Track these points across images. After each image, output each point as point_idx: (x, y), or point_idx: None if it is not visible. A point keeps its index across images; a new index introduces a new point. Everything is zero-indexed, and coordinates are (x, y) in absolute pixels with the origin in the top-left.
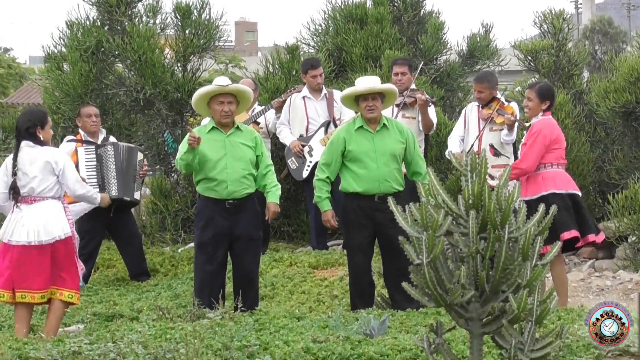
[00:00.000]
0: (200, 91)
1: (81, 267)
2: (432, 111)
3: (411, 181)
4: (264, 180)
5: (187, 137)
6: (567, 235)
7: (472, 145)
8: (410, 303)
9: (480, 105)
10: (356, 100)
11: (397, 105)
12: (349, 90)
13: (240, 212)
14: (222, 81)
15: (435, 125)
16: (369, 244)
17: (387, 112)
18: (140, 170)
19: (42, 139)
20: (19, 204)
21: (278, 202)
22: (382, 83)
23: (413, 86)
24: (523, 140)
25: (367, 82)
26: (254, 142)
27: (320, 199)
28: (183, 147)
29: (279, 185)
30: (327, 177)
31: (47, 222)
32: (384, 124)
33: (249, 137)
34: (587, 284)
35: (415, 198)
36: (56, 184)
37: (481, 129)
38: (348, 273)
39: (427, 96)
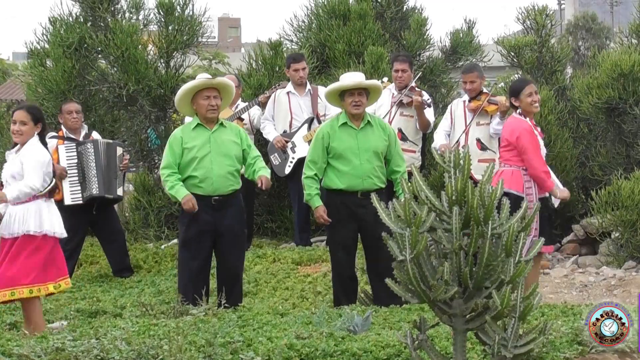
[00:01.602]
0: (186, 86)
1: None
2: (429, 111)
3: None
4: (253, 166)
5: (185, 198)
6: None
7: (459, 140)
8: (392, 299)
9: (468, 100)
10: (340, 96)
11: (396, 103)
12: (334, 86)
13: (225, 208)
14: (205, 76)
15: (432, 125)
16: (352, 240)
17: (385, 110)
18: (120, 165)
19: None
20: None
21: (269, 176)
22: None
23: (413, 83)
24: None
25: (352, 78)
26: (239, 137)
27: (311, 196)
28: (175, 193)
29: (267, 168)
30: (315, 174)
31: None
32: (368, 121)
33: (234, 133)
34: (570, 280)
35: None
36: None
37: (468, 122)
38: (331, 269)
39: (423, 98)
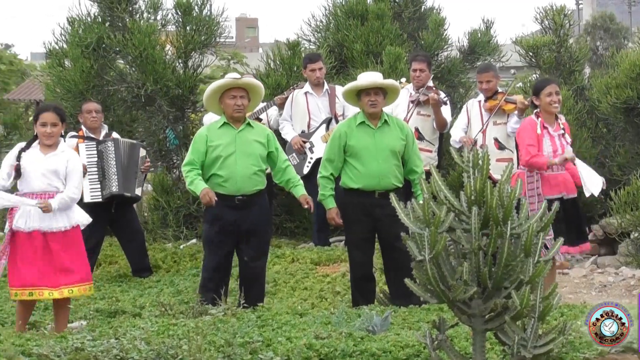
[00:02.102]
0: (213, 85)
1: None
2: (446, 110)
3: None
4: (285, 175)
5: (203, 191)
6: None
7: (476, 139)
8: (409, 299)
9: (484, 99)
10: (358, 96)
11: (413, 102)
12: (351, 85)
13: (249, 208)
14: (235, 75)
15: (449, 124)
16: (369, 239)
17: (402, 109)
18: (142, 166)
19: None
20: None
21: (306, 193)
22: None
23: (430, 83)
24: (568, 138)
25: (369, 77)
26: (266, 138)
27: (325, 197)
28: (194, 188)
29: (301, 180)
30: (331, 174)
31: None
32: (385, 120)
33: (261, 134)
34: (589, 281)
35: (410, 196)
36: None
37: (485, 122)
38: (349, 269)
39: (439, 96)
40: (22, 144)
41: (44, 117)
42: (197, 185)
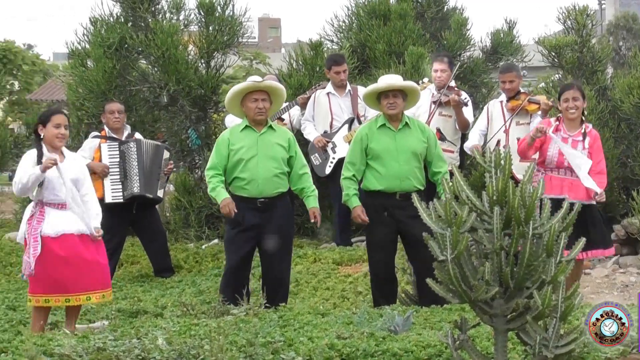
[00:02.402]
0: (234, 89)
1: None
2: (468, 110)
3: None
4: (300, 183)
5: (224, 202)
6: None
7: (499, 139)
8: (437, 300)
9: (506, 100)
10: (377, 99)
11: (435, 103)
12: (370, 88)
13: (271, 210)
14: (256, 78)
15: (471, 124)
16: (391, 240)
17: (424, 110)
18: (165, 169)
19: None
20: None
21: (318, 206)
22: (404, 80)
23: (452, 83)
24: (587, 145)
25: (388, 79)
26: (287, 142)
27: (349, 197)
28: (215, 195)
29: (316, 190)
30: (354, 175)
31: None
32: (406, 123)
33: (283, 137)
34: (611, 280)
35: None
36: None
37: (507, 122)
38: (369, 270)
39: (460, 97)
40: (34, 153)
41: (58, 119)
42: (219, 194)
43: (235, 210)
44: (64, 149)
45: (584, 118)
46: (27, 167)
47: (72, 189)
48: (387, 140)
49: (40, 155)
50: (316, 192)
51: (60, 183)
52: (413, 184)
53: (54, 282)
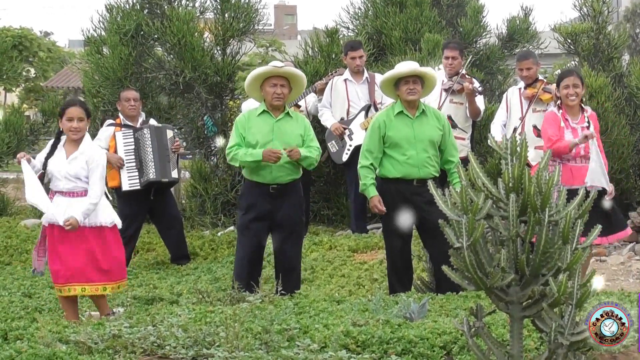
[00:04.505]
0: (254, 72)
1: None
2: (479, 99)
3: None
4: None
5: (266, 151)
6: None
7: (515, 127)
8: (454, 286)
9: (524, 86)
10: (395, 85)
11: (446, 90)
12: (389, 74)
13: (283, 197)
14: (277, 64)
15: (482, 112)
16: (407, 228)
17: (435, 96)
18: (172, 147)
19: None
20: None
21: (304, 155)
22: (421, 66)
23: (463, 71)
24: (592, 129)
25: (409, 65)
26: (304, 129)
27: (366, 186)
28: (252, 157)
29: (318, 152)
30: (371, 164)
31: None
32: (423, 110)
33: (299, 124)
34: (627, 268)
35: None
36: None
37: (524, 109)
38: (386, 257)
39: (474, 85)
40: (50, 143)
41: (71, 112)
42: (254, 153)
43: (281, 153)
44: (86, 139)
45: (582, 105)
46: (40, 156)
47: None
48: (405, 128)
49: (55, 145)
50: (313, 151)
51: (59, 173)
52: (430, 172)
53: (66, 271)
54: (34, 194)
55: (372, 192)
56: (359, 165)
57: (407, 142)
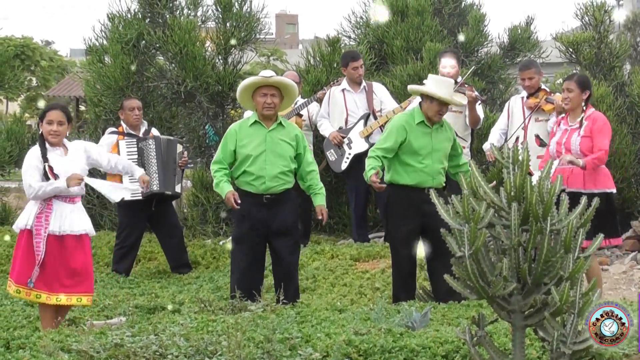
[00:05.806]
0: (245, 82)
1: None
2: (479, 107)
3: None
4: (308, 181)
5: (227, 194)
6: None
7: (517, 136)
8: (453, 295)
9: (526, 96)
10: (422, 97)
11: None
12: (430, 91)
13: (277, 206)
14: (266, 73)
15: (482, 121)
16: (416, 235)
17: None
18: (179, 162)
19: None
20: None
21: (325, 204)
22: (423, 75)
23: (460, 79)
24: (582, 132)
25: (448, 90)
26: (295, 139)
27: (369, 170)
28: (219, 190)
29: (324, 188)
30: (381, 157)
31: None
32: (442, 124)
33: (291, 134)
34: (629, 277)
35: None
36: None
37: (526, 119)
38: (391, 265)
39: (476, 93)
40: (37, 151)
41: (51, 115)
42: (223, 188)
43: (239, 201)
44: (66, 142)
45: (584, 108)
46: (35, 168)
47: (91, 182)
48: (425, 138)
49: (44, 153)
50: (324, 190)
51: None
52: (441, 181)
53: (49, 279)
54: (111, 189)
55: (371, 173)
56: (368, 155)
57: (425, 151)
